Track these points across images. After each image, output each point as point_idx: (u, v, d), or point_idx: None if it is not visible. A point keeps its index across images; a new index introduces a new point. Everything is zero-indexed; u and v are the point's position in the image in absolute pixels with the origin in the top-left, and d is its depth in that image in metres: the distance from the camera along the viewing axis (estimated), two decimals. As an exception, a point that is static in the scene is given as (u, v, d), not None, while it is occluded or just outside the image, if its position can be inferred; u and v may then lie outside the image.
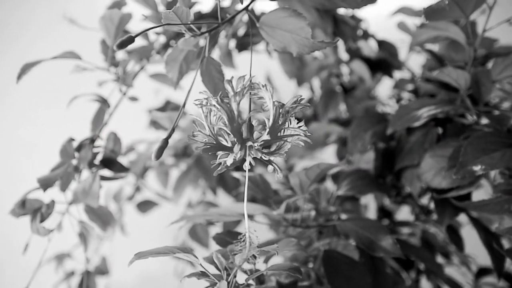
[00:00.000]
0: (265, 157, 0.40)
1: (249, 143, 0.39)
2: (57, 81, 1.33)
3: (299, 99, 0.38)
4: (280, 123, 0.38)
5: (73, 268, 1.16)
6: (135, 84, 0.78)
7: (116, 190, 1.24)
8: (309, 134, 0.40)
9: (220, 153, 0.40)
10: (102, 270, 1.17)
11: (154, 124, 1.23)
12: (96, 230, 0.75)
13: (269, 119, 0.38)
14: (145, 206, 1.26)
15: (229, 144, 0.40)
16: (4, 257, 1.38)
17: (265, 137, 0.38)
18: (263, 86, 0.38)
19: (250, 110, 0.43)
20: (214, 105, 0.37)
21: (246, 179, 0.40)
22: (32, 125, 1.45)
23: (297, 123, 0.40)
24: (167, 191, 1.24)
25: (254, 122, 0.42)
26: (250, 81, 0.38)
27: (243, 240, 0.38)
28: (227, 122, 0.38)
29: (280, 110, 0.38)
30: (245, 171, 0.41)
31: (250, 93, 0.39)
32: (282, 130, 0.39)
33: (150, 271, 1.47)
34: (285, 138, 0.40)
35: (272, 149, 0.41)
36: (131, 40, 0.41)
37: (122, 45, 0.40)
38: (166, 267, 1.32)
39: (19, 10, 1.47)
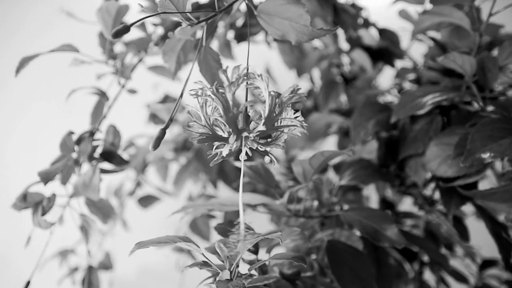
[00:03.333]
0: (261, 147, 0.39)
1: (245, 134, 0.38)
2: (56, 76, 1.32)
3: (295, 89, 0.38)
4: (276, 113, 0.37)
5: (77, 263, 1.16)
6: (134, 79, 0.77)
7: (117, 186, 1.24)
8: (306, 125, 0.39)
9: (216, 143, 0.40)
10: (106, 265, 1.17)
11: (154, 118, 1.23)
12: (97, 223, 0.74)
13: (265, 110, 0.37)
14: (146, 201, 1.25)
15: (225, 135, 0.39)
16: (8, 251, 1.38)
17: (261, 127, 0.37)
18: (258, 75, 0.37)
19: (246, 100, 0.42)
20: (209, 95, 0.36)
21: (242, 170, 0.40)
22: (31, 119, 1.45)
23: (294, 113, 0.39)
24: (168, 186, 1.23)
25: (251, 113, 0.41)
26: (247, 70, 0.37)
27: (238, 229, 0.37)
28: (222, 113, 0.37)
29: (277, 100, 0.37)
30: (246, 161, 0.40)
31: (247, 83, 0.38)
32: (279, 121, 0.39)
33: (153, 265, 1.47)
34: (282, 129, 0.39)
35: (269, 139, 0.40)
36: (126, 29, 0.40)
37: (117, 34, 0.39)
38: (168, 261, 1.32)
39: (19, 5, 1.46)
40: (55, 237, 0.72)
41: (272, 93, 0.37)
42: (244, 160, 0.39)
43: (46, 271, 1.05)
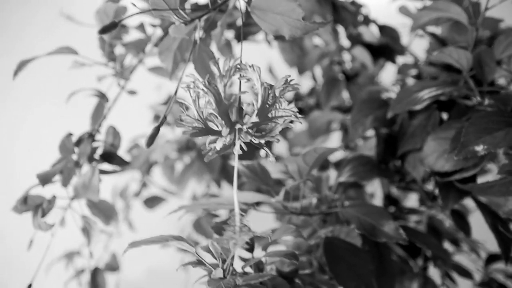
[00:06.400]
0: (256, 140, 0.39)
1: (238, 126, 0.38)
2: (60, 78, 1.33)
3: (288, 79, 0.37)
4: (269, 104, 0.37)
5: (83, 265, 1.17)
6: (138, 81, 0.78)
7: (122, 187, 1.25)
8: (300, 116, 0.38)
9: (210, 138, 0.39)
10: (113, 266, 1.18)
11: (157, 119, 1.23)
12: (99, 224, 0.75)
13: (257, 101, 0.36)
14: (152, 202, 1.26)
15: (219, 128, 0.39)
16: (15, 252, 1.40)
17: (254, 119, 0.37)
18: (250, 66, 0.36)
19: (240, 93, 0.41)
20: (201, 88, 0.36)
21: (236, 164, 0.39)
22: (36, 122, 1.46)
23: (288, 104, 0.38)
24: (174, 186, 1.23)
25: (244, 107, 0.41)
26: (240, 61, 0.37)
27: (233, 226, 0.37)
28: (214, 105, 0.37)
29: (269, 91, 0.37)
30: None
31: (240, 75, 0.38)
32: (272, 112, 0.38)
33: (159, 266, 1.48)
34: (276, 120, 0.38)
35: (263, 132, 0.40)
36: (114, 25, 0.40)
37: (104, 31, 0.40)
38: (174, 262, 1.33)
39: (22, 9, 1.48)
40: (62, 239, 0.72)
41: (265, 84, 0.37)
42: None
43: (53, 273, 1.06)
